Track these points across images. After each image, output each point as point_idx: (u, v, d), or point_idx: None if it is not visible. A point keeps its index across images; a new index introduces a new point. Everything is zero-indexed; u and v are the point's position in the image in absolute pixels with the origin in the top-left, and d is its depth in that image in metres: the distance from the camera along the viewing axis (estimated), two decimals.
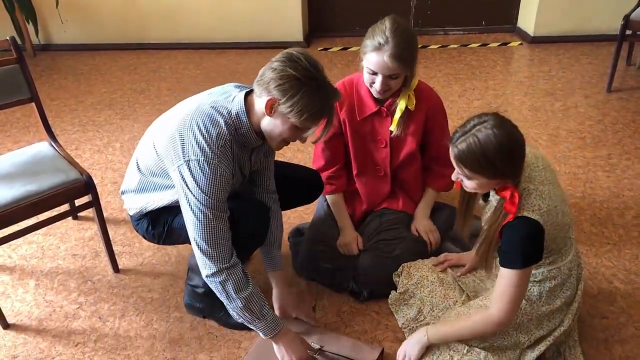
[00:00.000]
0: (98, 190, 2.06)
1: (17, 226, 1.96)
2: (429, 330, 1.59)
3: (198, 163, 1.47)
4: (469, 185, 1.43)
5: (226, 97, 1.57)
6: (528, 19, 4.55)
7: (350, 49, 4.60)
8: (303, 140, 1.58)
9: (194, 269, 1.87)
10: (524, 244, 1.41)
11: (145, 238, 1.83)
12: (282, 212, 1.92)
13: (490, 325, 1.49)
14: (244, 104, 1.53)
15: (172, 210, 1.69)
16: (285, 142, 1.57)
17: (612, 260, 2.13)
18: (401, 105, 1.91)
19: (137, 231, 1.83)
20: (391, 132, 1.95)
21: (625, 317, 1.87)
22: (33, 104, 2.15)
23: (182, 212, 1.54)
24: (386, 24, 1.78)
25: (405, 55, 1.77)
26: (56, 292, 2.10)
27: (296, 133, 1.52)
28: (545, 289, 1.56)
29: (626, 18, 3.29)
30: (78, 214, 2.50)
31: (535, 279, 1.55)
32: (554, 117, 3.28)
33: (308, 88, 1.43)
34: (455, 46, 4.55)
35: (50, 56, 4.74)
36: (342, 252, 2.02)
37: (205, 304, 1.90)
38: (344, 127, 2.01)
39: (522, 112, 3.37)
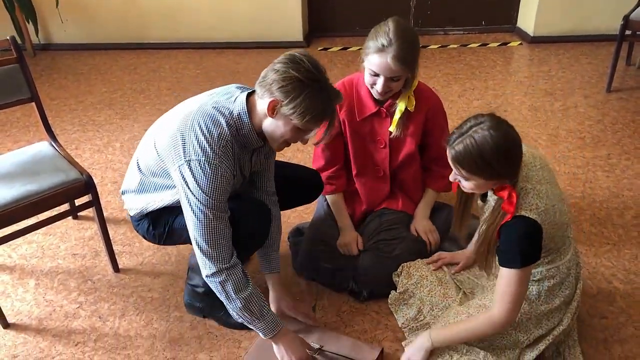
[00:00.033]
0: (98, 190, 2.06)
1: (17, 226, 1.96)
2: (432, 334, 1.58)
3: (199, 163, 1.47)
4: (467, 185, 1.44)
5: (228, 97, 1.57)
6: (528, 19, 4.55)
7: (350, 49, 4.60)
8: (305, 142, 1.58)
9: (194, 269, 1.87)
10: (522, 243, 1.41)
11: (145, 238, 1.83)
12: (282, 211, 1.92)
13: (493, 326, 1.49)
14: (246, 105, 1.53)
15: (173, 210, 1.69)
16: (286, 143, 1.57)
17: (612, 260, 2.13)
18: (401, 106, 1.91)
19: (137, 231, 1.83)
20: (390, 133, 1.95)
21: (624, 317, 1.87)
22: (33, 103, 2.15)
23: (183, 212, 1.54)
24: (390, 25, 1.77)
25: (408, 57, 1.76)
26: (56, 292, 2.10)
27: (298, 134, 1.53)
28: (544, 288, 1.57)
29: (626, 18, 3.29)
30: (78, 214, 2.50)
31: (534, 278, 1.55)
32: (554, 117, 3.28)
33: (311, 90, 1.43)
34: (455, 46, 4.55)
35: (50, 56, 4.74)
36: (342, 252, 2.02)
37: (205, 304, 1.90)
38: (344, 127, 2.01)
39: (521, 112, 3.37)
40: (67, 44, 4.84)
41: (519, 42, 4.56)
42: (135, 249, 2.31)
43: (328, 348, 1.72)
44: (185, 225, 1.58)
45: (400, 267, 1.92)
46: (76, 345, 1.87)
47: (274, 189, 1.85)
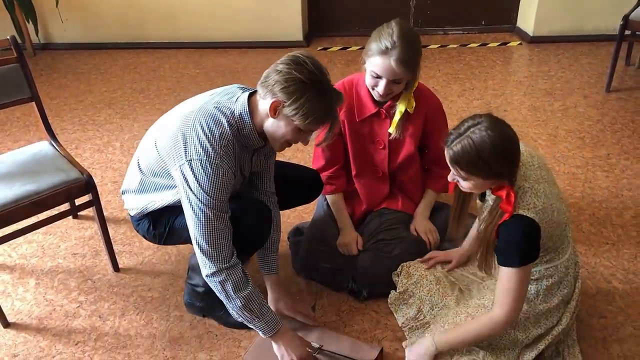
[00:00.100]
0: (98, 190, 2.06)
1: (18, 225, 1.96)
2: (436, 338, 1.58)
3: (200, 162, 1.48)
4: (465, 185, 1.45)
5: (229, 97, 1.57)
6: (527, 19, 4.55)
7: (350, 49, 4.60)
8: (305, 143, 1.59)
9: (194, 268, 1.88)
10: (520, 242, 1.42)
11: (145, 238, 1.83)
12: (282, 211, 1.92)
13: (496, 326, 1.49)
14: (247, 105, 1.53)
15: (174, 210, 1.69)
16: (287, 143, 1.57)
17: (611, 260, 2.13)
18: (400, 108, 1.91)
19: (137, 231, 1.83)
20: (390, 134, 1.95)
21: (623, 316, 1.87)
22: (33, 103, 2.15)
23: (184, 211, 1.55)
24: (393, 27, 1.75)
25: (411, 60, 1.76)
26: (56, 291, 2.11)
27: (299, 135, 1.53)
28: (543, 287, 1.57)
29: (625, 18, 3.30)
30: (78, 213, 2.50)
31: (533, 277, 1.56)
32: (553, 117, 3.29)
33: (313, 91, 1.44)
34: (455, 46, 4.56)
35: (50, 55, 4.74)
36: (342, 252, 2.02)
37: (205, 303, 1.90)
38: (343, 128, 2.01)
39: (521, 111, 3.37)
40: (67, 43, 4.84)
41: (519, 42, 4.56)
42: (135, 249, 2.31)
43: (328, 347, 1.73)
44: (186, 225, 1.58)
45: (400, 267, 1.92)
46: (76, 344, 1.87)
47: (274, 189, 1.86)
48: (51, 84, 4.14)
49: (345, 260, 2.00)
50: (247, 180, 1.74)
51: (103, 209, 2.11)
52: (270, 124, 1.52)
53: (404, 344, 1.75)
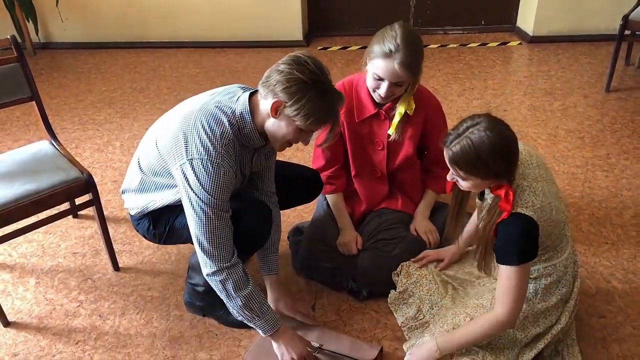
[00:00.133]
0: (98, 189, 2.07)
1: (18, 224, 1.96)
2: (439, 341, 1.58)
3: (201, 162, 1.48)
4: (464, 185, 1.45)
5: (230, 97, 1.57)
6: (527, 19, 4.56)
7: (349, 48, 4.60)
8: (306, 143, 1.59)
9: (194, 268, 1.88)
10: (519, 240, 1.42)
11: (145, 238, 1.83)
12: (282, 211, 1.92)
13: (497, 325, 1.50)
14: (248, 105, 1.53)
15: (174, 210, 1.69)
16: (288, 143, 1.57)
17: (610, 259, 2.14)
18: (400, 109, 1.90)
19: (137, 231, 1.83)
20: (389, 136, 1.95)
21: (622, 316, 1.88)
22: (33, 102, 2.15)
23: (185, 210, 1.55)
24: (397, 30, 1.74)
25: (414, 64, 1.76)
26: (56, 290, 2.11)
27: (300, 135, 1.53)
28: (541, 286, 1.58)
29: (625, 18, 3.30)
30: (78, 213, 2.50)
31: (531, 276, 1.56)
32: (553, 117, 3.29)
33: (315, 92, 1.44)
34: (455, 46, 4.56)
35: (50, 54, 4.74)
36: (342, 252, 2.03)
37: (205, 303, 1.91)
38: (343, 128, 2.01)
39: (521, 111, 3.38)
40: (67, 42, 4.85)
41: (519, 42, 4.56)
42: (135, 248, 2.32)
43: (327, 347, 1.73)
44: (186, 225, 1.58)
45: (400, 267, 1.93)
46: (76, 343, 1.87)
47: (274, 189, 1.86)
48: (51, 83, 4.14)
49: (345, 260, 2.00)
50: (247, 180, 1.74)
51: (103, 209, 2.11)
52: (271, 124, 1.52)
53: (405, 348, 1.75)
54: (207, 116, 1.52)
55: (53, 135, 2.22)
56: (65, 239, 2.40)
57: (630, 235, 2.27)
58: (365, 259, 1.96)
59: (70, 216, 2.51)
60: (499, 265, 1.47)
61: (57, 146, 2.19)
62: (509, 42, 4.57)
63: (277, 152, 1.80)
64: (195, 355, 1.80)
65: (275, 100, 1.46)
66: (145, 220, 1.77)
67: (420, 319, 1.80)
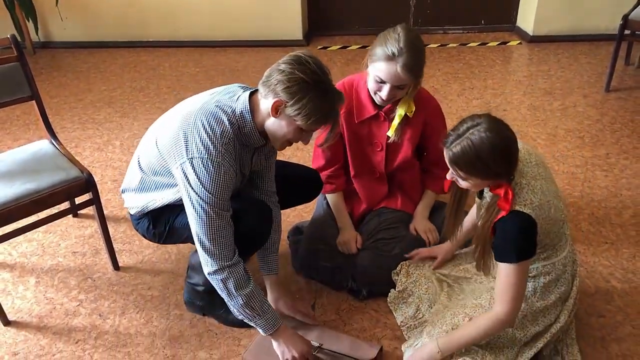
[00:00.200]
0: (98, 188, 2.07)
1: (18, 224, 1.96)
2: (440, 342, 1.58)
3: (202, 161, 1.48)
4: (464, 184, 1.46)
5: (230, 96, 1.58)
6: (527, 18, 4.56)
7: (349, 48, 4.60)
8: (306, 142, 1.59)
9: (193, 267, 1.88)
10: (517, 238, 1.43)
11: (145, 237, 1.83)
12: (282, 210, 1.92)
13: (498, 324, 1.50)
14: (249, 104, 1.54)
15: (174, 209, 1.69)
16: (288, 142, 1.58)
17: (610, 259, 2.14)
18: (400, 112, 1.90)
19: (137, 230, 1.83)
20: (388, 137, 1.95)
21: (622, 315, 1.88)
22: (33, 101, 2.15)
23: (185, 210, 1.55)
24: (400, 33, 1.73)
25: (417, 67, 1.75)
26: (56, 290, 2.11)
27: (300, 135, 1.53)
28: (540, 285, 1.58)
29: (625, 18, 3.30)
30: (78, 212, 2.50)
31: (530, 274, 1.57)
32: (553, 117, 3.29)
33: (316, 92, 1.44)
34: (455, 45, 4.56)
35: (50, 54, 4.74)
36: (341, 251, 2.03)
37: (205, 302, 1.91)
38: (342, 129, 2.01)
39: (520, 111, 3.38)
40: (67, 42, 4.84)
41: (518, 42, 4.57)
42: (135, 247, 2.32)
43: (327, 346, 1.73)
44: (186, 225, 1.59)
45: (400, 266, 1.93)
46: (76, 342, 1.87)
47: (275, 189, 1.86)
48: (51, 82, 4.14)
49: (345, 259, 2.00)
50: (246, 179, 1.74)
51: (103, 208, 2.11)
52: (272, 123, 1.52)
53: (403, 348, 1.74)
54: (208, 115, 1.52)
55: (53, 135, 2.22)
56: (65, 238, 2.40)
57: (629, 234, 2.27)
58: (365, 259, 1.96)
59: (70, 215, 2.51)
60: (498, 263, 1.47)
61: (57, 145, 2.19)
62: (508, 42, 4.57)
63: (277, 152, 1.80)
64: (195, 355, 1.80)
65: (276, 99, 1.46)
66: (145, 219, 1.78)
67: (419, 318, 1.81)
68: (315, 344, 1.72)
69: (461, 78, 3.90)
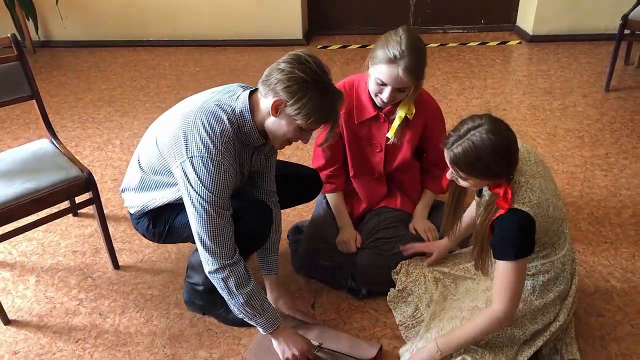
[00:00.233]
0: (98, 188, 2.07)
1: (18, 223, 1.96)
2: (439, 343, 1.58)
3: (202, 160, 1.48)
4: (464, 184, 1.47)
5: (230, 95, 1.58)
6: (527, 18, 4.56)
7: (349, 47, 4.60)
8: (306, 141, 1.59)
9: (193, 267, 1.88)
10: (515, 236, 1.43)
11: (145, 237, 1.83)
12: (281, 210, 1.93)
13: (495, 321, 1.50)
14: (248, 103, 1.54)
15: (174, 208, 1.69)
16: (288, 142, 1.58)
17: (609, 258, 2.14)
18: (400, 113, 1.90)
19: (136, 230, 1.83)
20: (387, 139, 1.95)
21: (621, 315, 1.88)
22: (33, 101, 2.15)
23: (186, 209, 1.55)
24: (401, 36, 1.73)
25: (418, 69, 1.75)
26: (56, 289, 2.11)
27: (300, 134, 1.54)
28: (539, 283, 1.58)
29: (625, 17, 3.30)
30: (78, 211, 2.50)
31: (529, 273, 1.57)
32: (552, 116, 3.29)
33: (316, 91, 1.44)
34: (454, 45, 4.56)
35: (50, 53, 4.74)
36: (341, 250, 2.03)
37: (205, 301, 1.91)
38: (342, 129, 2.01)
39: (520, 110, 3.38)
40: (67, 41, 4.84)
41: (518, 41, 4.57)
42: (135, 246, 2.32)
43: (327, 345, 1.73)
44: (186, 224, 1.59)
45: (399, 265, 1.93)
46: (77, 341, 1.88)
47: (275, 189, 1.86)
48: (51, 81, 4.14)
49: (345, 259, 2.01)
50: (245, 179, 1.74)
51: (103, 207, 2.11)
52: (272, 123, 1.53)
53: (400, 351, 1.73)
54: (207, 114, 1.52)
55: (53, 134, 2.22)
56: (66, 238, 2.40)
57: (628, 234, 2.27)
58: (365, 258, 1.96)
59: (71, 214, 2.51)
60: (496, 262, 1.47)
61: (57, 144, 2.19)
62: (508, 41, 4.57)
63: (278, 152, 1.80)
64: (195, 354, 1.81)
65: (276, 99, 1.46)
66: (145, 219, 1.78)
67: (418, 317, 1.81)
68: (315, 343, 1.73)
69: (461, 77, 3.90)
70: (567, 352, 1.67)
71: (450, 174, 1.47)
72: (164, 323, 1.93)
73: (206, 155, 1.48)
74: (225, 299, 1.59)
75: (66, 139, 3.25)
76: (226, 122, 1.52)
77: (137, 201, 1.75)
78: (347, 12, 4.80)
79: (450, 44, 4.57)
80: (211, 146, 1.48)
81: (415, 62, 1.72)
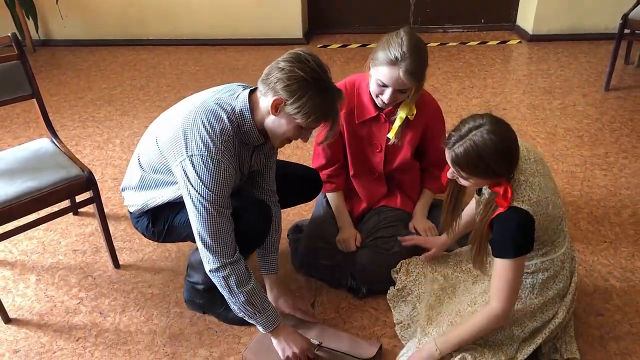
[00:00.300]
0: (98, 187, 2.07)
1: (18, 222, 1.96)
2: (438, 342, 1.58)
3: (202, 158, 1.48)
4: (465, 183, 1.47)
5: (230, 94, 1.58)
6: (527, 17, 4.56)
7: (349, 46, 4.60)
8: (306, 140, 1.59)
9: (193, 266, 1.88)
10: (515, 234, 1.44)
11: (145, 236, 1.83)
12: (282, 209, 1.93)
13: (494, 319, 1.51)
14: (248, 102, 1.54)
15: (174, 207, 1.70)
16: (288, 140, 1.58)
17: (609, 258, 2.15)
18: (401, 114, 1.90)
19: (136, 229, 1.83)
20: (388, 139, 1.96)
21: (620, 314, 1.89)
22: (34, 100, 2.16)
23: (186, 208, 1.55)
24: (403, 37, 1.73)
25: (419, 71, 1.76)
26: (57, 287, 2.12)
27: (300, 133, 1.54)
28: (538, 281, 1.59)
29: (625, 17, 3.30)
30: (79, 210, 2.51)
31: (528, 271, 1.58)
32: (552, 116, 3.29)
33: (315, 90, 1.44)
34: (454, 44, 4.56)
35: (50, 52, 4.74)
36: (341, 249, 2.03)
37: (205, 300, 1.91)
38: (342, 128, 2.01)
39: (520, 110, 3.38)
40: (67, 40, 4.84)
41: (518, 40, 4.57)
42: (136, 245, 2.32)
43: (327, 344, 1.74)
44: (185, 223, 1.59)
45: (399, 264, 1.94)
46: (77, 340, 1.88)
47: (275, 188, 1.86)
48: (51, 80, 4.14)
49: (345, 258, 2.01)
50: (245, 178, 1.75)
51: (103, 206, 2.12)
52: (271, 121, 1.53)
53: (399, 355, 1.73)
54: (207, 113, 1.52)
55: (53, 133, 2.23)
56: (66, 237, 2.40)
57: (628, 234, 2.28)
58: (365, 257, 1.97)
59: (71, 213, 2.52)
60: (494, 259, 1.48)
61: (57, 144, 2.20)
62: (508, 41, 4.57)
63: (277, 151, 1.81)
64: (195, 352, 1.81)
65: (275, 97, 1.46)
66: (145, 218, 1.78)
67: (414, 316, 1.81)
68: (315, 342, 1.73)
69: (461, 77, 3.90)
70: (566, 350, 1.68)
71: (451, 173, 1.47)
72: (164, 322, 1.94)
73: (206, 153, 1.48)
74: (226, 297, 1.59)
75: (66, 138, 3.25)
76: (226, 120, 1.52)
77: (137, 200, 1.76)
78: (347, 11, 4.80)
79: (450, 44, 4.57)
80: (211, 145, 1.49)
81: (416, 64, 1.73)
